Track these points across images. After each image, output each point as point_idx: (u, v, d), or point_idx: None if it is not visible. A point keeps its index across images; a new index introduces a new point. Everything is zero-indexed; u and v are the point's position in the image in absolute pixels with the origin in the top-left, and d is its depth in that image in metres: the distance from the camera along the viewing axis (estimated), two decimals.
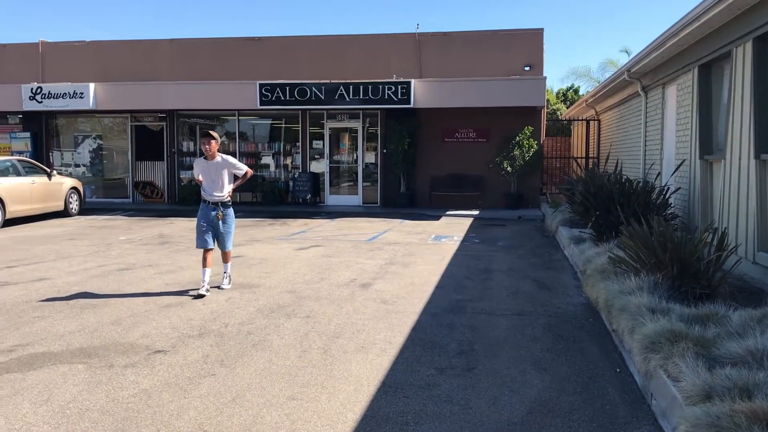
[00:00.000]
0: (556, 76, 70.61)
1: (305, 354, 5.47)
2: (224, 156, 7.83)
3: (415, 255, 10.69)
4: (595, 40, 69.57)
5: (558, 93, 38.81)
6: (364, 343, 5.77)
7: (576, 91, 37.43)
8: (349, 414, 4.24)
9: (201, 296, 7.51)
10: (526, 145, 18.24)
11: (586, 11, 75.09)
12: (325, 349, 5.61)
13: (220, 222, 7.74)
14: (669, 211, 9.79)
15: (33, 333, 6.08)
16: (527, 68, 18.94)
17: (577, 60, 71.08)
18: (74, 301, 7.40)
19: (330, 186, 20.06)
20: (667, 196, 9.86)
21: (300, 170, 20.04)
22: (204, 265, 7.78)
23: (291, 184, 19.94)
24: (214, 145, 7.72)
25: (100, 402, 4.41)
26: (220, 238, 7.82)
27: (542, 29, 19.12)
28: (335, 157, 20.11)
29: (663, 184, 10.63)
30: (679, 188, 10.55)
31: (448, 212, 17.56)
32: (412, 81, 17.60)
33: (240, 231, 13.27)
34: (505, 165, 18.29)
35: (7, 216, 14.49)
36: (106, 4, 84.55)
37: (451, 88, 17.78)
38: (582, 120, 23.70)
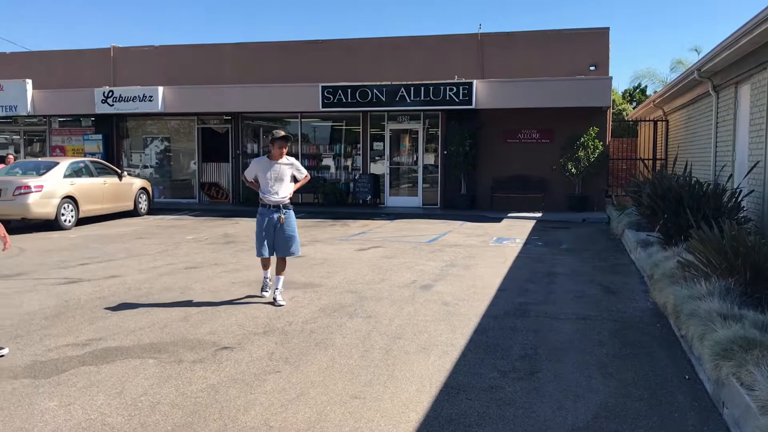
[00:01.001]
0: (622, 76, 68.98)
1: (367, 353, 5.51)
2: (288, 157, 7.64)
3: (477, 257, 10.62)
4: (663, 40, 67.70)
5: (624, 93, 37.90)
6: (426, 345, 5.77)
7: (643, 91, 36.47)
8: (412, 414, 4.25)
9: (263, 296, 7.59)
10: (591, 147, 17.90)
11: (654, 10, 73.19)
12: (386, 349, 5.63)
13: (283, 225, 7.36)
14: (741, 215, 9.44)
15: (106, 328, 6.32)
16: (592, 68, 18.58)
17: (644, 60, 69.28)
18: (144, 297, 7.65)
19: (390, 187, 20.14)
20: (739, 199, 9.51)
21: (360, 172, 20.20)
22: (265, 267, 7.70)
23: (351, 185, 20.11)
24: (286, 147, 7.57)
25: (170, 396, 4.55)
26: (282, 243, 7.39)
27: (608, 28, 18.73)
28: (395, 159, 20.18)
29: (735, 187, 10.27)
30: (753, 191, 10.16)
31: (509, 214, 17.38)
32: (474, 82, 17.50)
33: (302, 231, 13.44)
34: (569, 166, 17.99)
35: (81, 215, 15.07)
36: (174, 10, 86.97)
37: (513, 88, 17.61)
38: (649, 121, 23.09)
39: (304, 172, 7.75)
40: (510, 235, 13.56)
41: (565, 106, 17.45)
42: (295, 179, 7.67)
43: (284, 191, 7.46)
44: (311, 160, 20.59)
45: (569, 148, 18.08)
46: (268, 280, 7.75)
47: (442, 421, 4.16)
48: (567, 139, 18.13)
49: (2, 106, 20.80)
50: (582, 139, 17.89)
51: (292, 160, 7.61)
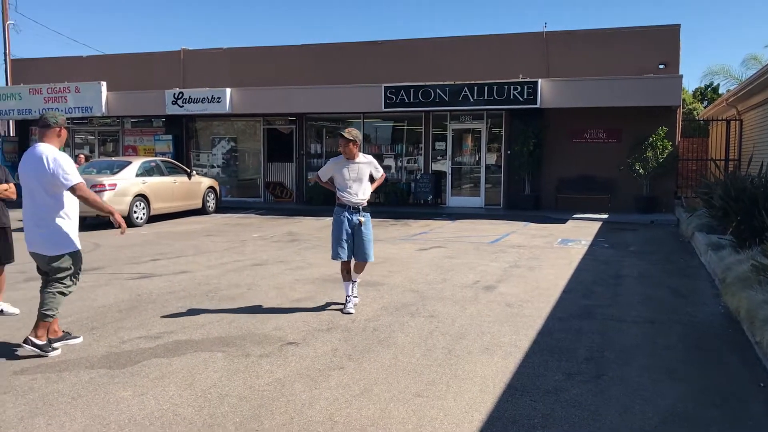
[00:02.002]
0: (691, 74, 66.83)
1: (430, 353, 5.52)
2: (366, 155, 7.16)
3: (541, 258, 10.49)
4: (735, 36, 65.26)
5: (695, 92, 36.76)
6: (489, 345, 5.74)
7: (715, 90, 35.26)
8: (475, 414, 4.24)
9: (349, 313, 6.87)
10: (660, 147, 17.41)
11: (724, 5, 70.65)
12: (449, 349, 5.63)
13: (361, 227, 6.97)
14: None
15: (176, 321, 6.52)
16: (662, 66, 18.05)
17: (714, 56, 66.95)
18: (213, 293, 7.85)
19: (451, 187, 20.08)
20: None
21: (422, 171, 20.20)
22: (345, 278, 7.11)
23: (412, 185, 20.11)
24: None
25: (238, 389, 4.67)
26: (360, 246, 6.99)
27: (678, 25, 18.17)
28: (457, 159, 20.10)
29: None
30: None
31: (575, 215, 17.09)
32: (539, 80, 17.27)
33: None
34: (636, 167, 17.55)
35: (152, 213, 15.57)
36: (240, 13, 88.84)
37: (579, 87, 17.30)
38: (721, 120, 22.33)
39: (381, 171, 7.32)
40: (575, 236, 13.33)
41: (633, 106, 17.04)
42: (372, 178, 7.27)
43: (363, 192, 7.04)
44: None
45: (637, 148, 17.64)
46: (350, 296, 7.09)
47: (506, 421, 4.14)
48: (635, 139, 17.69)
49: (78, 107, 21.67)
50: (650, 139, 17.43)
51: (370, 158, 7.18)
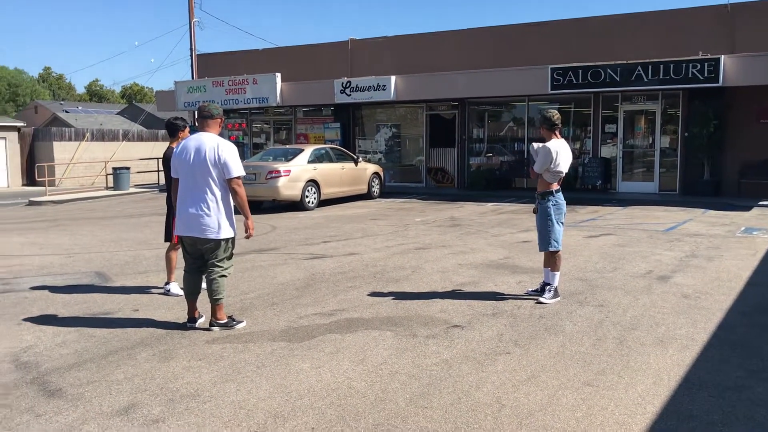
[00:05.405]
0: None
1: (599, 342, 5.38)
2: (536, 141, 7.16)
3: (721, 248, 9.80)
4: None
5: None
6: (663, 337, 5.49)
7: None
8: (648, 406, 4.10)
9: (539, 301, 6.72)
10: None
11: None
12: (620, 339, 5.46)
13: (537, 216, 7.03)
14: None
15: (347, 300, 6.85)
16: None
17: None
18: (380, 274, 8.14)
19: (622, 171, 19.20)
20: None
21: (590, 155, 19.50)
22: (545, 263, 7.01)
23: (580, 169, 19.44)
24: None
25: (407, 367, 4.84)
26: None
27: None
28: (629, 141, 19.19)
29: None
30: None
31: (761, 202, 15.71)
32: (722, 57, 15.98)
33: (525, 217, 13.38)
34: None
35: (322, 197, 16.34)
36: (403, 2, 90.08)
37: None
38: None
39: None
40: (761, 225, 12.29)
41: None
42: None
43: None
44: None
45: None
46: (541, 284, 7.03)
47: (682, 416, 3.96)
48: None
49: (256, 98, 23.12)
50: None
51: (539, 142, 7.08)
